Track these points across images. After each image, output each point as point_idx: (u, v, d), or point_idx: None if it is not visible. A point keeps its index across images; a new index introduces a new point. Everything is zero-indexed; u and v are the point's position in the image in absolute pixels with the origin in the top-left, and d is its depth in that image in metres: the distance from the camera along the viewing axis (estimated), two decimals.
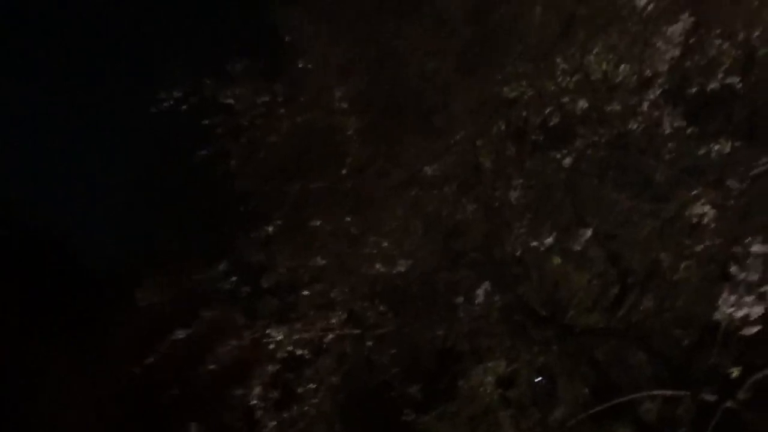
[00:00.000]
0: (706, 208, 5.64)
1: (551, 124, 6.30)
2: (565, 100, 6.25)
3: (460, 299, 6.61)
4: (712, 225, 5.67)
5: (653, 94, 6.05)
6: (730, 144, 5.82)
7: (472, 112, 6.21)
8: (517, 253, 6.39)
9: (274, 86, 5.92)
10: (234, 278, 7.15)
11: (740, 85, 5.97)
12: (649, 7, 6.08)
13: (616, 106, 6.19)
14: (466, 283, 6.52)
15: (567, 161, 6.21)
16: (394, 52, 5.43)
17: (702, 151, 5.87)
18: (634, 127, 6.10)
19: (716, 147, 5.82)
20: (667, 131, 6.08)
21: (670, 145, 6.03)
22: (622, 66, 6.09)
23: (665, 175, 5.63)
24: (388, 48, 5.42)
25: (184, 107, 5.98)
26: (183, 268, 7.06)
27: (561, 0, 5.95)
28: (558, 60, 6.16)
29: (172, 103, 6.01)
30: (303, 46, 5.78)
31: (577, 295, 5.74)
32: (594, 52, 6.03)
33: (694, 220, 5.68)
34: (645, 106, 6.10)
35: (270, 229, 6.51)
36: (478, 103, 6.20)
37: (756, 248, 5.52)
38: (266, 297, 7.01)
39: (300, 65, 5.83)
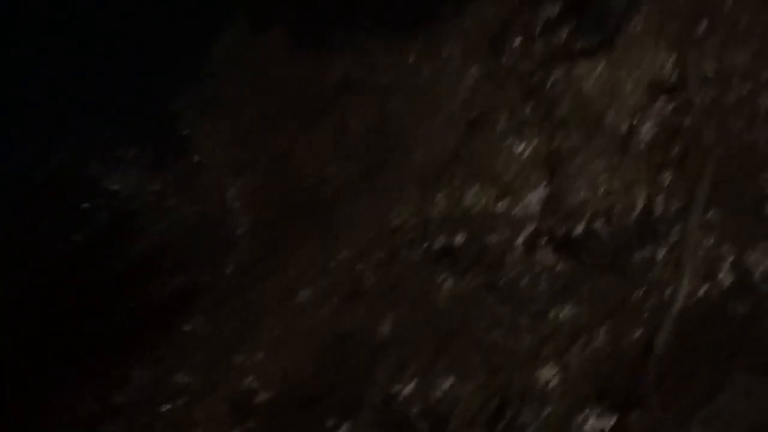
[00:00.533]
0: (553, 372, 5.93)
1: (434, 249, 6.56)
2: (447, 228, 6.59)
3: (332, 422, 6.36)
4: (558, 389, 5.94)
5: (527, 231, 6.53)
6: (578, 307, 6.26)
7: (358, 231, 6.37)
8: (379, 400, 6.34)
9: (165, 177, 5.80)
10: (80, 392, 6.45)
11: (603, 232, 6.58)
12: (525, 155, 6.77)
13: (494, 238, 6.59)
14: (341, 405, 6.31)
15: (447, 285, 6.41)
16: (293, 154, 5.55)
17: (555, 312, 6.26)
18: (511, 258, 6.47)
19: (565, 309, 6.26)
20: (537, 268, 6.52)
21: (540, 281, 6.42)
22: (501, 202, 6.58)
23: (542, 300, 5.94)
24: (288, 148, 5.54)
25: (63, 187, 5.68)
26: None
27: (446, 138, 6.44)
28: (441, 192, 6.57)
29: (49, 183, 5.69)
30: (199, 140, 5.78)
31: (459, 406, 5.69)
32: (475, 187, 6.50)
33: (542, 382, 5.93)
34: (520, 240, 6.54)
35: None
36: (363, 223, 6.39)
37: (591, 423, 5.80)
38: (116, 416, 6.34)
39: (195, 159, 5.79)
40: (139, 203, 5.74)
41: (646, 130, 6.64)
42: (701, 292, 5.96)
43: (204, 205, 5.77)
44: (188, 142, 5.86)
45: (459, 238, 6.69)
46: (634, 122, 6.68)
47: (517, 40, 6.80)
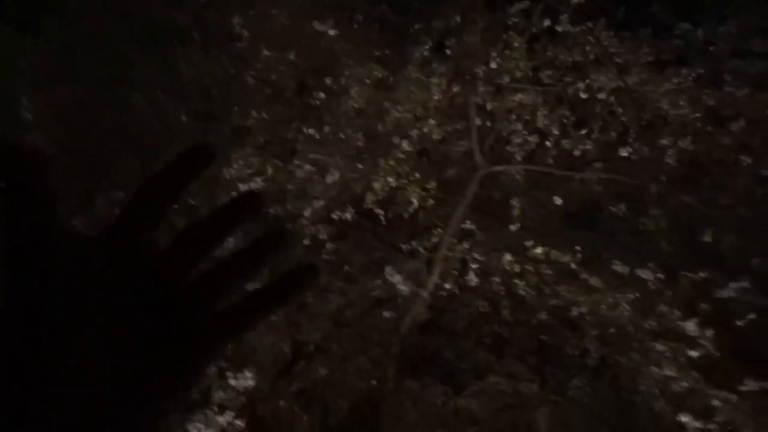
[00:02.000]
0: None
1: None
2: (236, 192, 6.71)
3: None
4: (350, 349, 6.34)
5: (312, 206, 6.94)
6: None
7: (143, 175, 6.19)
8: None
9: None
10: None
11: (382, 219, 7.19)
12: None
13: (280, 210, 6.85)
14: None
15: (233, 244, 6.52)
16: (121, 78, 5.22)
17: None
18: (297, 228, 6.79)
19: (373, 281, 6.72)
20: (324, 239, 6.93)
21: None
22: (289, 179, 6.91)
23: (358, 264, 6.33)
24: (117, 71, 5.19)
25: None
26: None
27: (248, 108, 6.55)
28: (234, 157, 6.66)
29: None
30: (5, 39, 5.12)
31: (256, 355, 5.76)
32: (269, 160, 6.77)
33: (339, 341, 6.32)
34: (306, 213, 6.91)
35: None
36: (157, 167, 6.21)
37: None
38: None
39: None
40: None
41: (415, 144, 7.43)
42: (448, 288, 6.85)
43: None
44: None
45: None
46: (406, 135, 7.42)
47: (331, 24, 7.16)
